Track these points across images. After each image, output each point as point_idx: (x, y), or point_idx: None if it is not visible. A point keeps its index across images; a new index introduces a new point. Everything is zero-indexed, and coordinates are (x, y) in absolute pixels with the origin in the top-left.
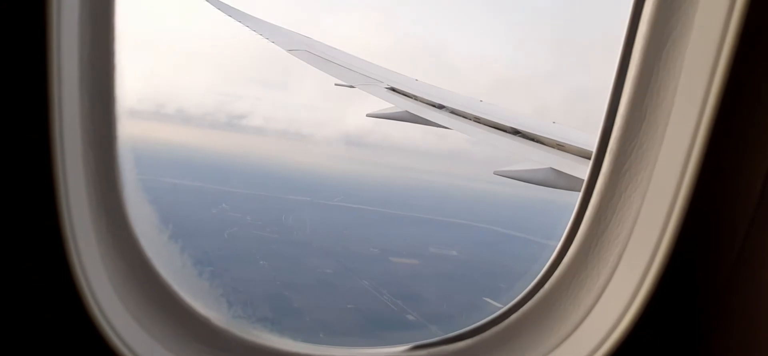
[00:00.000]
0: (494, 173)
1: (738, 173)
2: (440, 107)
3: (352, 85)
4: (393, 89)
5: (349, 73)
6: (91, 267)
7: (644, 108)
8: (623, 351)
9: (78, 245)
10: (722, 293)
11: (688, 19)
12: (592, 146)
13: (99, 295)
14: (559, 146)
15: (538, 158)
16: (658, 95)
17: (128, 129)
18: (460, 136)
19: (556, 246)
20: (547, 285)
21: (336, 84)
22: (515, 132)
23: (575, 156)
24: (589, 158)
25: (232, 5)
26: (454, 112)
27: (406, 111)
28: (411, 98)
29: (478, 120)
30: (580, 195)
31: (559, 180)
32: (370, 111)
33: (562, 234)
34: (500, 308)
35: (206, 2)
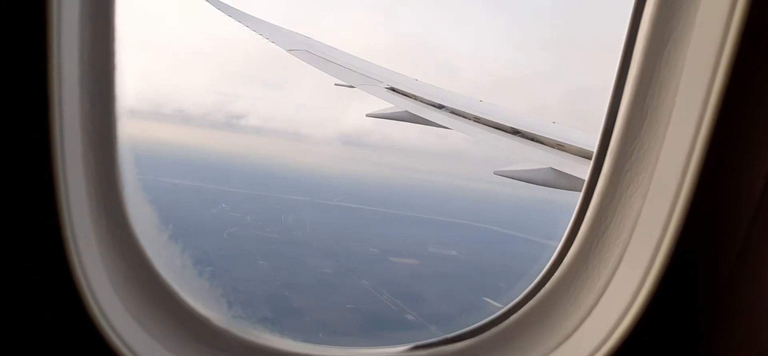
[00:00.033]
0: (494, 173)
1: (739, 172)
2: (440, 106)
3: (352, 85)
4: (393, 89)
5: (348, 73)
6: (91, 266)
7: (645, 108)
8: (624, 351)
9: (78, 245)
10: (723, 293)
11: (690, 19)
12: (592, 146)
13: (99, 295)
14: (559, 146)
15: (538, 158)
16: (659, 95)
17: (128, 129)
18: (459, 136)
19: (556, 246)
20: (547, 285)
21: (336, 84)
22: (515, 132)
23: (575, 156)
24: (589, 158)
25: (232, 5)
26: (454, 112)
27: (406, 111)
28: (411, 97)
29: (478, 120)
30: (580, 195)
31: (559, 180)
32: (369, 111)
33: (563, 234)
34: (500, 308)
35: (206, 2)
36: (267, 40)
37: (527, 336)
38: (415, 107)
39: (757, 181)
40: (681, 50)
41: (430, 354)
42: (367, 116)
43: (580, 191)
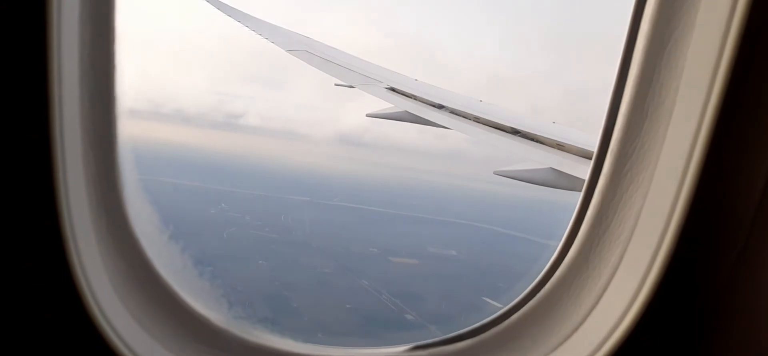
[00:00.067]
0: (494, 173)
1: (739, 172)
2: (440, 106)
3: (352, 85)
4: (393, 89)
5: (348, 73)
6: (92, 267)
7: (646, 108)
8: (624, 352)
9: (78, 245)
10: (723, 293)
11: (690, 19)
12: (592, 145)
13: (99, 295)
14: (559, 146)
15: (538, 158)
16: (660, 95)
17: (128, 129)
18: (459, 136)
19: (556, 246)
20: (547, 286)
21: (336, 84)
22: (515, 132)
23: (575, 156)
24: (589, 158)
25: (232, 6)
26: (453, 112)
27: (406, 111)
28: (411, 97)
29: (477, 120)
30: (581, 195)
31: (559, 180)
32: (369, 111)
33: (563, 234)
34: (500, 308)
35: (206, 2)
36: (267, 40)
37: (527, 337)
38: (415, 107)
39: (757, 181)
40: (681, 51)
41: (430, 354)
42: (367, 116)
43: (580, 191)
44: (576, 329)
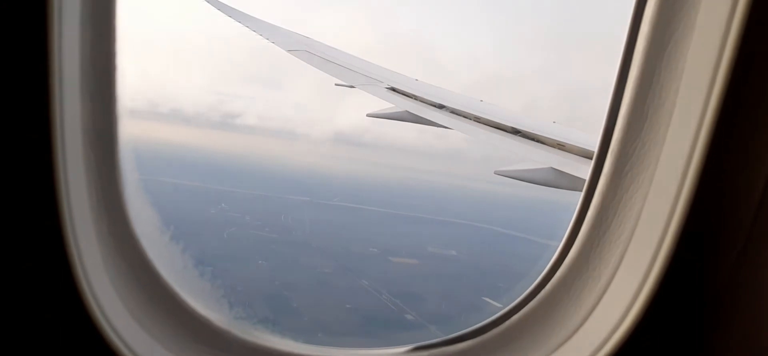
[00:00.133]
0: (494, 173)
1: (739, 173)
2: (440, 106)
3: (352, 85)
4: (393, 89)
5: (349, 73)
6: (92, 267)
7: (646, 109)
8: (625, 352)
9: (79, 245)
10: (723, 293)
11: (690, 20)
12: (593, 145)
13: (100, 295)
14: (560, 146)
15: (538, 158)
16: (660, 96)
17: (129, 129)
18: (459, 136)
19: (556, 246)
20: (548, 286)
21: (336, 84)
22: (515, 132)
23: (576, 156)
24: (590, 158)
25: (232, 6)
26: (454, 112)
27: (407, 111)
28: (411, 97)
29: (478, 120)
30: (581, 196)
31: (559, 180)
32: (370, 111)
33: (563, 235)
34: (500, 308)
35: (206, 2)
36: (267, 41)
37: (528, 337)
38: (415, 106)
39: (757, 182)
40: (681, 52)
41: (430, 355)
42: (368, 116)
43: (581, 190)
44: (576, 330)
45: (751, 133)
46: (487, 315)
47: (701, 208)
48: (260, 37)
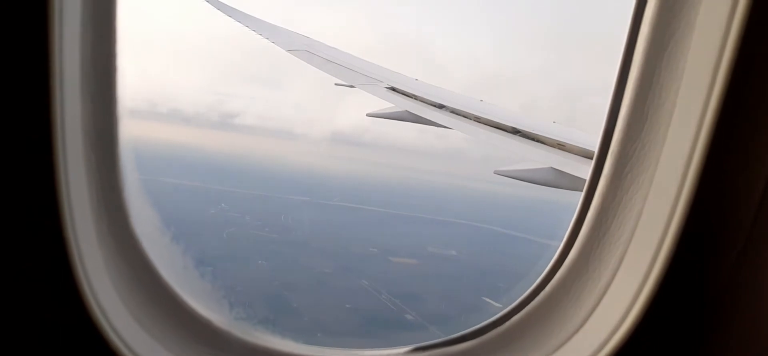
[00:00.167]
0: (494, 173)
1: (739, 174)
2: (440, 106)
3: (352, 84)
4: (393, 89)
5: (349, 72)
6: (93, 267)
7: (646, 109)
8: (625, 353)
9: (80, 246)
10: (723, 293)
11: (690, 21)
12: (593, 145)
13: (100, 296)
14: (560, 146)
15: (538, 158)
16: (660, 97)
17: (129, 129)
18: (459, 135)
19: (556, 247)
20: (548, 287)
21: (336, 84)
22: (515, 132)
23: (576, 156)
24: (590, 158)
25: (232, 6)
26: (454, 111)
27: (407, 111)
28: (411, 97)
29: (478, 120)
30: (581, 197)
31: (559, 180)
32: (370, 111)
33: (563, 235)
34: (499, 308)
35: (206, 2)
36: (267, 40)
37: (528, 338)
38: (415, 106)
39: (757, 182)
40: (681, 52)
41: None
42: (368, 115)
43: (581, 190)
44: (577, 330)
45: (751, 133)
46: (487, 315)
47: (701, 209)
48: (260, 37)
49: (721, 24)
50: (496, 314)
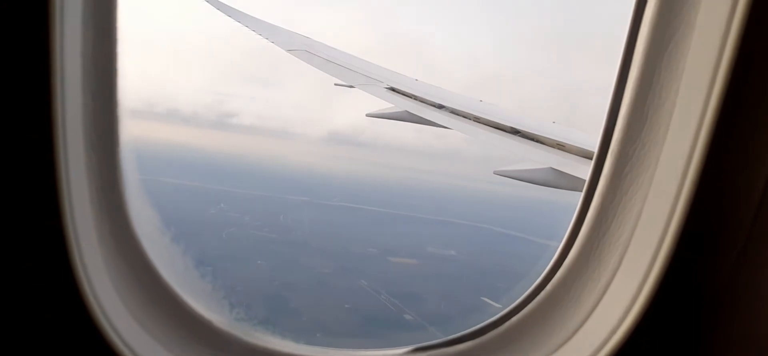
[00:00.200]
0: (494, 173)
1: (739, 174)
2: (440, 106)
3: (352, 85)
4: (393, 89)
5: (348, 73)
6: (93, 267)
7: (646, 110)
8: (625, 353)
9: (80, 245)
10: (723, 293)
11: (690, 21)
12: (593, 146)
13: (101, 296)
14: (560, 146)
15: (538, 158)
16: (660, 97)
17: (130, 129)
18: (459, 136)
19: (556, 247)
20: (548, 287)
21: (336, 84)
22: (515, 132)
23: (575, 156)
24: (590, 158)
25: (232, 6)
26: (454, 112)
27: (406, 111)
28: (411, 97)
29: (477, 120)
30: (581, 197)
31: (559, 180)
32: (369, 111)
33: (563, 235)
34: (499, 308)
35: (206, 2)
36: (266, 40)
37: (528, 339)
38: (415, 106)
39: (757, 182)
40: (681, 52)
41: None
42: (367, 115)
43: (581, 190)
44: (576, 331)
45: (751, 133)
46: (486, 315)
47: (701, 208)
48: (260, 37)
49: (721, 24)
50: (495, 314)
